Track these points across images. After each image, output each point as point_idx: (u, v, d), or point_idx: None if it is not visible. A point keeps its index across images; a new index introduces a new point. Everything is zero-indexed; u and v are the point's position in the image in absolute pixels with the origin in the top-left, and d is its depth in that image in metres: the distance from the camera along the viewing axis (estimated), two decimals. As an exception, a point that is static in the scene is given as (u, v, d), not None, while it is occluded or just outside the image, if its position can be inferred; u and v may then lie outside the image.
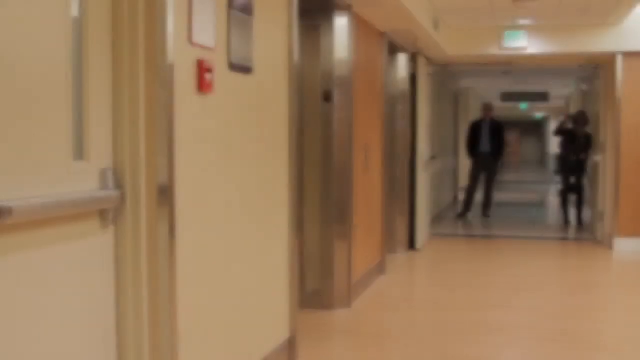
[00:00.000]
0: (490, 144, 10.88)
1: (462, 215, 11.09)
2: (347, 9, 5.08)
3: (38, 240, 2.18)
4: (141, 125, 2.57)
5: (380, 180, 6.43)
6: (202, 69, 2.86)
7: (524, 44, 8.12)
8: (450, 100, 13.54)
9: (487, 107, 11.17)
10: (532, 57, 8.41)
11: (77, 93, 2.39)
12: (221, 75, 3.08)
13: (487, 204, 11.26)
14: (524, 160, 33.31)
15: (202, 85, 2.87)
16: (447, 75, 12.34)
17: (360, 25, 5.46)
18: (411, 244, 7.87)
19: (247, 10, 3.33)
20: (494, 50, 8.25)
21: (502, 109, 20.20)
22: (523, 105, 22.07)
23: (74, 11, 2.36)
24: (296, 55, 3.97)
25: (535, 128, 32.58)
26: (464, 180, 12.72)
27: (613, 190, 8.16)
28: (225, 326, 3.18)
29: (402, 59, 7.43)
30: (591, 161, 9.28)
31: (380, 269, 6.46)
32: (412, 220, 7.89)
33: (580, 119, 9.78)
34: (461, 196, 12.54)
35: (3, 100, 2.02)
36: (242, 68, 3.29)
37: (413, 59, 7.74)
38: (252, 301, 3.48)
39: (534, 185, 19.74)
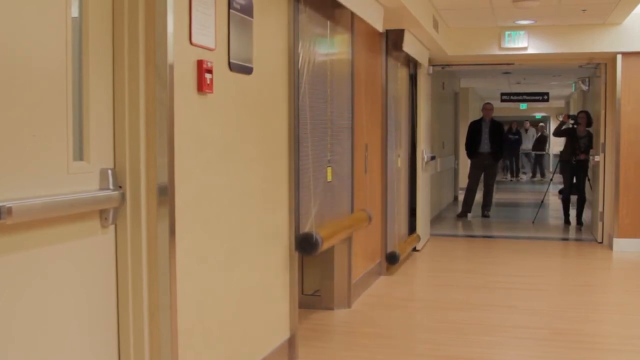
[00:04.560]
0: (490, 144, 10.89)
1: (462, 215, 11.08)
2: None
3: (38, 240, 2.18)
4: (141, 125, 2.57)
5: (380, 180, 6.43)
6: (202, 69, 2.86)
7: (524, 44, 8.12)
8: (450, 100, 13.55)
9: (487, 107, 11.16)
10: (532, 57, 8.41)
11: (77, 93, 2.39)
12: (221, 75, 3.08)
13: (486, 204, 11.26)
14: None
15: (202, 86, 2.87)
16: (447, 75, 12.34)
17: (360, 25, 5.46)
18: (411, 244, 7.87)
19: (247, 10, 3.34)
20: (494, 50, 8.25)
21: (502, 109, 20.21)
22: (523, 105, 22.06)
23: (74, 11, 2.36)
24: (296, 55, 3.98)
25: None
26: (464, 180, 12.72)
27: (613, 191, 8.16)
28: (225, 326, 3.19)
29: (403, 59, 7.42)
30: (591, 161, 9.28)
31: (380, 269, 6.46)
32: (412, 220, 7.88)
33: (583, 118, 9.77)
34: (461, 196, 12.55)
35: (3, 100, 2.02)
36: (242, 68, 3.30)
37: (413, 59, 7.74)
38: (252, 301, 3.49)
39: (534, 185, 19.73)
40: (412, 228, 7.91)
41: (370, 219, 5.25)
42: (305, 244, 3.95)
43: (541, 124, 23.45)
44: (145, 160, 2.59)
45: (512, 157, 21.55)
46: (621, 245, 8.00)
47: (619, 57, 7.92)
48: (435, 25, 7.21)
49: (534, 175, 21.84)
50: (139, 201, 2.58)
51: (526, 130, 21.93)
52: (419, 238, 7.83)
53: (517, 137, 21.23)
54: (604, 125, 8.44)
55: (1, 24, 2.02)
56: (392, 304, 5.55)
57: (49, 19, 2.21)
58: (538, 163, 21.86)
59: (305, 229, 4.19)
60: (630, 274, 6.89)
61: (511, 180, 21.18)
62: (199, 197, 2.91)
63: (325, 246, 4.09)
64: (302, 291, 5.25)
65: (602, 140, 8.49)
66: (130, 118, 2.56)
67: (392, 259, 6.48)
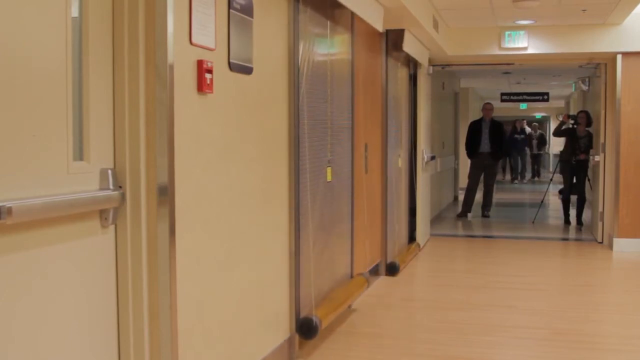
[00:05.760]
0: (490, 144, 10.89)
1: (462, 215, 11.08)
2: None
3: (38, 240, 2.18)
4: (141, 125, 2.57)
5: (380, 180, 6.43)
6: (202, 69, 2.86)
7: (524, 44, 8.12)
8: (450, 100, 13.55)
9: (487, 107, 11.16)
10: (532, 57, 8.41)
11: (77, 93, 2.39)
12: (221, 75, 3.08)
13: (486, 204, 11.27)
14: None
15: (202, 86, 2.87)
16: (447, 75, 12.34)
17: (360, 25, 5.46)
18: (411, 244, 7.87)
19: (247, 10, 3.34)
20: (494, 50, 8.25)
21: (502, 109, 20.15)
22: (523, 105, 22.01)
23: (74, 11, 2.36)
24: (296, 55, 3.98)
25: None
26: (464, 180, 12.73)
27: (613, 190, 8.16)
28: (225, 326, 3.19)
29: (403, 59, 7.42)
30: (591, 161, 9.28)
31: (380, 269, 6.46)
32: (412, 220, 7.88)
33: (583, 118, 9.77)
34: (461, 196, 12.55)
35: (3, 100, 2.02)
36: (242, 68, 3.30)
37: (413, 59, 7.74)
38: (252, 301, 3.48)
39: (534, 185, 19.72)
40: (412, 229, 7.91)
41: (368, 283, 5.30)
42: (305, 329, 4.04)
43: (534, 123, 22.97)
44: (145, 160, 2.59)
45: (518, 158, 20.90)
46: (621, 245, 8.00)
47: (619, 57, 7.92)
48: (435, 25, 7.21)
49: (532, 176, 21.63)
50: (139, 201, 2.58)
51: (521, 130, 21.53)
52: (418, 246, 7.83)
53: (523, 136, 20.58)
54: (604, 125, 8.44)
55: (1, 24, 2.02)
56: (392, 304, 5.55)
57: (49, 19, 2.21)
58: (536, 163, 21.68)
59: (304, 229, 4.19)
60: (630, 274, 6.89)
61: (515, 183, 20.58)
62: (199, 197, 2.91)
63: (324, 325, 4.19)
64: (302, 291, 5.24)
65: (602, 140, 8.49)
66: (130, 118, 2.56)
67: (391, 270, 6.51)
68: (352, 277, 5.34)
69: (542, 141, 21.28)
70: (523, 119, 21.77)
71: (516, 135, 20.37)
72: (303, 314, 4.13)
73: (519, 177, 21.03)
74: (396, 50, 6.71)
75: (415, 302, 5.78)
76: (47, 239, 2.22)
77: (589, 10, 7.10)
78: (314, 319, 4.05)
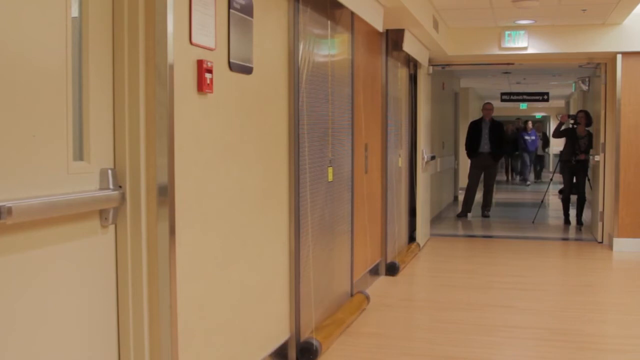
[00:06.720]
0: (490, 144, 10.89)
1: (462, 215, 11.09)
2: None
3: (38, 240, 2.18)
4: (141, 125, 2.57)
5: (380, 180, 6.43)
6: (202, 69, 2.86)
7: (524, 44, 8.12)
8: (450, 100, 13.55)
9: (487, 107, 11.16)
10: (532, 57, 8.41)
11: (77, 93, 2.39)
12: (221, 75, 3.08)
13: (486, 203, 11.27)
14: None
15: (202, 85, 2.87)
16: (447, 75, 12.34)
17: (360, 25, 5.46)
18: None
19: (247, 10, 3.34)
20: (494, 50, 8.25)
21: (502, 109, 20.09)
22: (523, 105, 21.98)
23: (74, 11, 2.36)
24: (296, 55, 3.98)
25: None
26: (464, 180, 12.73)
27: (613, 190, 8.16)
28: (225, 326, 3.19)
29: (403, 59, 7.42)
30: (591, 161, 9.28)
31: (380, 269, 6.47)
32: (412, 220, 7.88)
33: (582, 118, 9.77)
34: (461, 196, 12.55)
35: (3, 100, 2.02)
36: (242, 68, 3.30)
37: (413, 59, 7.74)
38: (252, 301, 3.48)
39: (534, 185, 19.71)
40: (412, 229, 7.91)
41: (368, 300, 5.31)
42: (305, 353, 4.03)
43: (537, 123, 22.67)
44: (145, 160, 2.59)
45: (527, 158, 20.33)
46: (621, 245, 8.00)
47: (619, 57, 7.92)
48: (435, 25, 7.21)
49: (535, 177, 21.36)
50: (139, 201, 2.58)
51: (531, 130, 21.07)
52: (418, 246, 7.83)
53: (533, 137, 19.82)
54: (604, 125, 8.44)
55: (1, 23, 2.02)
56: (392, 304, 5.55)
57: (49, 19, 2.21)
58: (538, 164, 21.52)
59: (304, 228, 4.19)
60: (630, 274, 6.89)
61: (528, 184, 19.89)
62: (198, 196, 2.91)
63: (324, 348, 4.18)
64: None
65: (602, 140, 8.49)
66: (130, 118, 2.56)
67: (391, 270, 6.53)
68: (352, 277, 5.34)
69: (547, 142, 21.11)
70: (527, 120, 21.56)
71: (526, 137, 19.92)
72: (303, 314, 4.13)
73: (526, 178, 20.64)
74: (396, 50, 6.71)
75: (415, 302, 5.78)
76: (47, 239, 2.22)
77: (588, 10, 7.10)
78: (314, 342, 4.05)
